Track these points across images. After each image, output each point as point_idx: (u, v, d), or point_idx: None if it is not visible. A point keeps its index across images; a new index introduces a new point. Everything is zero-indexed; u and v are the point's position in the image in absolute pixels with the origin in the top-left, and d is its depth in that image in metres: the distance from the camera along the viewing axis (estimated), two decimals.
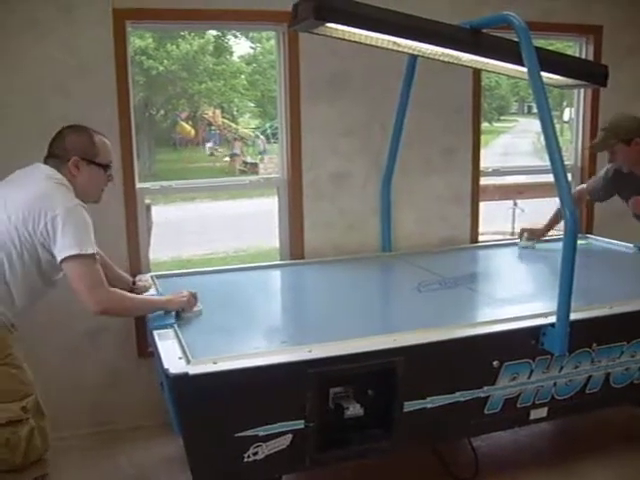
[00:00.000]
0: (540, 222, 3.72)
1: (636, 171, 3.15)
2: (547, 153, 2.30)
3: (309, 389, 2.05)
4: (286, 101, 3.34)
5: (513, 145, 17.51)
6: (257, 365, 2.00)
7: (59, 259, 2.11)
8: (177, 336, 2.21)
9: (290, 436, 2.08)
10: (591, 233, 3.90)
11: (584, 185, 3.63)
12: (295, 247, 3.45)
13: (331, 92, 3.38)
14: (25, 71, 2.91)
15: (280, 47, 3.34)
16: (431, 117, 3.54)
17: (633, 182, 3.18)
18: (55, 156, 2.27)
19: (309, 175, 3.42)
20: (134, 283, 2.76)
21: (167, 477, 2.84)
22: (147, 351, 3.06)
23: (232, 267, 3.60)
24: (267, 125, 15.80)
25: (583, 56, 3.86)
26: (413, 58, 3.09)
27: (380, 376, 2.17)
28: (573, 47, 4.00)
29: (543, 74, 2.38)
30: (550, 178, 2.34)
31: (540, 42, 3.61)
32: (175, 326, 2.29)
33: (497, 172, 4.03)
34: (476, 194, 3.76)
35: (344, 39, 2.50)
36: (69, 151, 2.25)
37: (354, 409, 2.11)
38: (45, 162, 2.28)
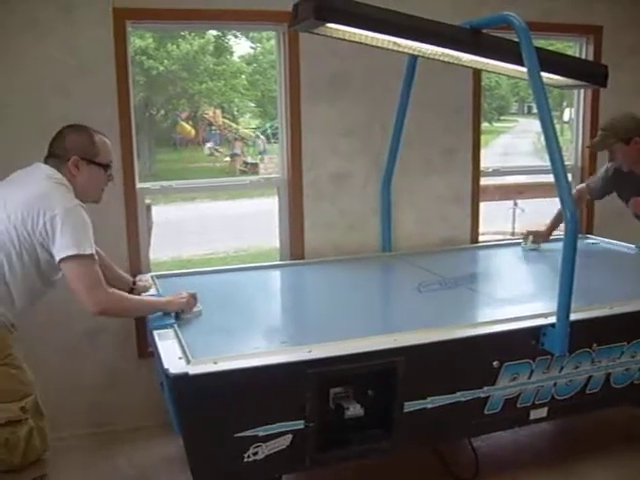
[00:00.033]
0: (542, 223, 3.72)
1: (636, 170, 3.16)
2: (547, 153, 2.30)
3: (309, 389, 2.05)
4: (286, 101, 3.34)
5: (513, 145, 17.46)
6: (257, 365, 2.00)
7: (57, 259, 2.11)
8: (177, 336, 2.20)
9: (290, 436, 2.08)
10: (591, 233, 3.91)
11: (584, 184, 3.63)
12: (295, 247, 3.45)
13: (331, 92, 3.38)
14: (25, 71, 2.91)
15: (280, 47, 3.35)
16: (431, 117, 3.54)
17: (633, 181, 3.19)
18: (55, 156, 2.26)
19: (309, 175, 3.42)
20: (134, 283, 2.76)
21: (167, 477, 2.84)
22: (147, 351, 3.06)
23: (232, 267, 3.60)
24: (267, 125, 15.77)
25: (583, 56, 3.87)
26: (413, 58, 3.09)
27: (380, 376, 2.17)
28: (573, 47, 4.00)
29: (543, 74, 2.38)
30: (550, 178, 2.34)
31: (540, 42, 3.62)
32: (175, 326, 2.29)
33: (497, 172, 4.03)
34: (476, 194, 3.76)
35: (344, 39, 2.50)
36: (69, 151, 2.25)
37: (354, 409, 2.11)
38: (45, 162, 2.27)
